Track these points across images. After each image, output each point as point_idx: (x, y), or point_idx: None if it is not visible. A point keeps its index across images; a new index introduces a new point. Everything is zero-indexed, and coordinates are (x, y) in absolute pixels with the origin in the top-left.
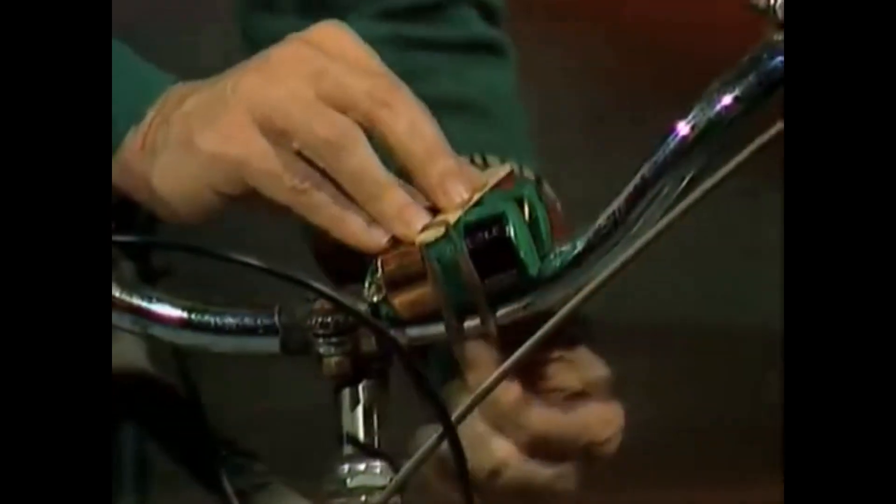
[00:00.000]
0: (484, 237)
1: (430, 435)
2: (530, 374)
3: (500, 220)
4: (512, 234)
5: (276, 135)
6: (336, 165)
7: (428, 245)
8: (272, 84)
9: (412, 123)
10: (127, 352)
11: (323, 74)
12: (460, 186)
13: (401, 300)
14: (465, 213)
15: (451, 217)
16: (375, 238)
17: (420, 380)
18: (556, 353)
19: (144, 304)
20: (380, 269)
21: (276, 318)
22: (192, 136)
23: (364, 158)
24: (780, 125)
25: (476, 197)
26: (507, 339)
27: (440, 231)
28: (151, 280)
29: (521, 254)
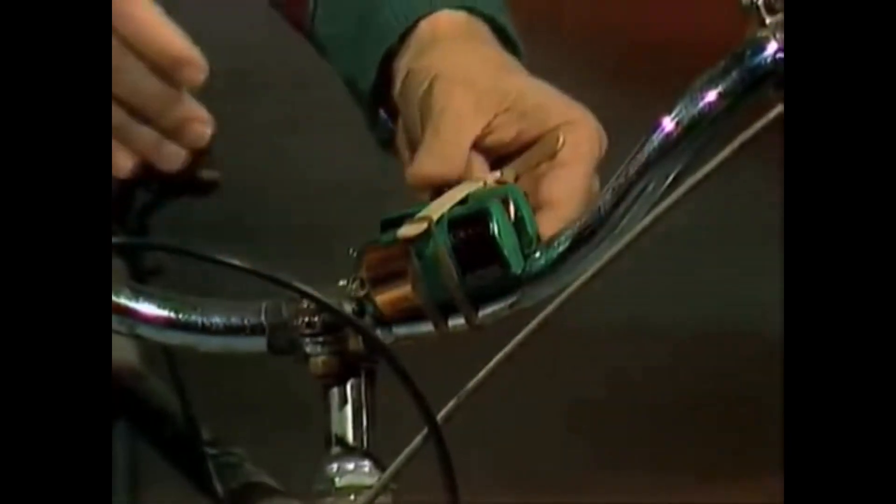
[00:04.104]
0: (467, 233)
1: None
2: None
3: (483, 217)
4: (495, 230)
5: None
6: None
7: (409, 240)
8: None
9: None
10: (119, 351)
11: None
12: None
13: (383, 298)
14: (449, 210)
15: (435, 214)
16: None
17: (405, 379)
18: None
19: (131, 303)
20: (363, 266)
21: (262, 318)
22: None
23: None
24: (758, 125)
25: (461, 195)
26: None
27: (422, 227)
28: (142, 279)
29: (505, 251)
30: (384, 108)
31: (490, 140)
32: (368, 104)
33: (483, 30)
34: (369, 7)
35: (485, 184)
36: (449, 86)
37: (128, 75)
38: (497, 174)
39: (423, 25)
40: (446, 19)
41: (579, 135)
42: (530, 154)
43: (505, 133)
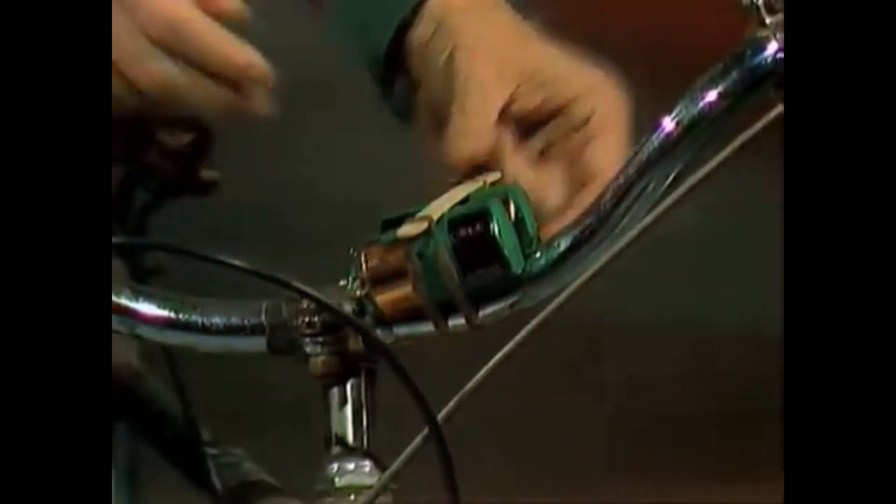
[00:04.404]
0: (467, 233)
1: None
2: None
3: (484, 217)
4: (496, 230)
5: None
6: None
7: (409, 240)
8: None
9: None
10: (118, 350)
11: None
12: None
13: (383, 298)
14: (449, 210)
15: (435, 213)
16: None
17: (405, 379)
18: None
19: (131, 303)
20: (363, 265)
21: (262, 318)
22: None
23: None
24: (758, 125)
25: (461, 195)
26: None
27: (422, 226)
28: (142, 279)
29: (505, 251)
30: (400, 79)
31: (514, 109)
32: (383, 77)
33: None
34: None
35: (485, 184)
36: (470, 54)
37: (198, 90)
38: (497, 174)
39: None
40: None
41: (606, 102)
42: (556, 124)
43: (529, 101)
